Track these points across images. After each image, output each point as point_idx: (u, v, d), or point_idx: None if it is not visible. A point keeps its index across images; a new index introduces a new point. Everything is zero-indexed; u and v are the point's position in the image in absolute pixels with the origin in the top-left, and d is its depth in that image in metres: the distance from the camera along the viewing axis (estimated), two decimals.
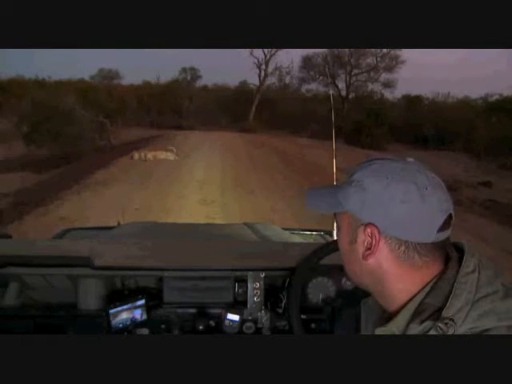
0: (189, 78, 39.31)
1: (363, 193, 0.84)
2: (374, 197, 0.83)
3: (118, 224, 2.97)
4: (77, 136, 15.08)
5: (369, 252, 0.85)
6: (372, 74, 33.67)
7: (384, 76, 33.47)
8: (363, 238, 0.85)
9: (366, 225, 0.84)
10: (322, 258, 1.54)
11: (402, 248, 0.82)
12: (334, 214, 0.94)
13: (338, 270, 1.63)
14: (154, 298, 1.65)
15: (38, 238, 2.18)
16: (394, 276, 0.85)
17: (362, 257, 0.86)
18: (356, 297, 1.59)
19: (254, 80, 36.46)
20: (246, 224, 2.86)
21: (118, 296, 1.63)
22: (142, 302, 1.61)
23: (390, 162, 0.84)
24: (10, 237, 2.14)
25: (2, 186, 9.37)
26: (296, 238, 2.62)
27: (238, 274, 1.66)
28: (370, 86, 34.57)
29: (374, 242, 0.84)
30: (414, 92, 34.21)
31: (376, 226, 0.83)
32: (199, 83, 40.14)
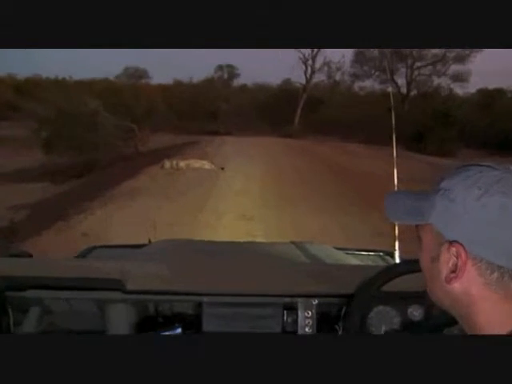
0: (225, 76, 39.84)
1: (450, 204, 0.81)
2: (463, 210, 0.79)
3: (149, 242, 3.02)
4: (101, 142, 15.41)
5: (453, 275, 0.82)
6: (439, 66, 32.79)
7: (454, 68, 32.43)
8: (447, 256, 0.82)
9: (451, 242, 0.81)
10: (384, 284, 1.52)
11: (495, 274, 0.78)
12: (416, 226, 0.91)
13: (404, 299, 1.61)
14: (191, 326, 1.65)
15: (60, 258, 2.23)
16: (484, 307, 0.81)
17: (446, 280, 0.83)
18: (425, 329, 1.57)
19: (299, 78, 36.51)
20: (293, 243, 2.84)
21: (152, 323, 1.65)
22: (178, 330, 1.62)
23: (487, 170, 0.80)
24: (30, 256, 2.21)
25: (19, 197, 9.68)
26: (352, 260, 2.60)
27: (287, 300, 1.66)
28: (436, 81, 33.82)
29: (459, 263, 0.80)
30: (492, 85, 33.14)
31: (463, 245, 0.80)
32: (237, 82, 40.67)
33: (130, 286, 1.61)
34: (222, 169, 14.28)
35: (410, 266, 1.40)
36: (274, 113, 32.41)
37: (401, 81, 33.11)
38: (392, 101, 2.57)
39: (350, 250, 3.01)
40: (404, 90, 33.19)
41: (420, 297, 1.49)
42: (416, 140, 22.43)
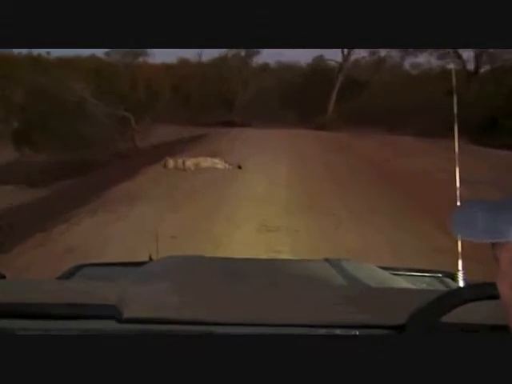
0: (243, 53, 39.71)
1: None
2: None
3: (150, 259, 3.03)
4: (88, 136, 15.07)
5: None
6: None
7: None
8: None
9: None
10: (444, 314, 1.50)
11: None
12: (492, 244, 0.88)
13: (469, 332, 1.59)
14: None
15: (39, 279, 2.23)
16: None
17: None
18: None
19: (334, 55, 36.19)
20: (327, 260, 2.82)
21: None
22: None
23: None
24: (3, 277, 2.22)
25: None
26: (401, 282, 2.57)
27: (321, 332, 1.65)
28: None
29: None
30: None
31: None
32: (257, 61, 40.39)
33: (127, 314, 1.63)
34: (239, 168, 14.34)
35: (479, 291, 1.38)
36: (303, 99, 32.35)
37: (467, 54, 32.48)
38: (454, 80, 2.55)
39: (399, 269, 2.99)
40: (471, 66, 32.76)
41: (492, 331, 1.48)
42: (485, 130, 21.89)
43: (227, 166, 14.80)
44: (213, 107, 30.99)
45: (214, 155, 15.21)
